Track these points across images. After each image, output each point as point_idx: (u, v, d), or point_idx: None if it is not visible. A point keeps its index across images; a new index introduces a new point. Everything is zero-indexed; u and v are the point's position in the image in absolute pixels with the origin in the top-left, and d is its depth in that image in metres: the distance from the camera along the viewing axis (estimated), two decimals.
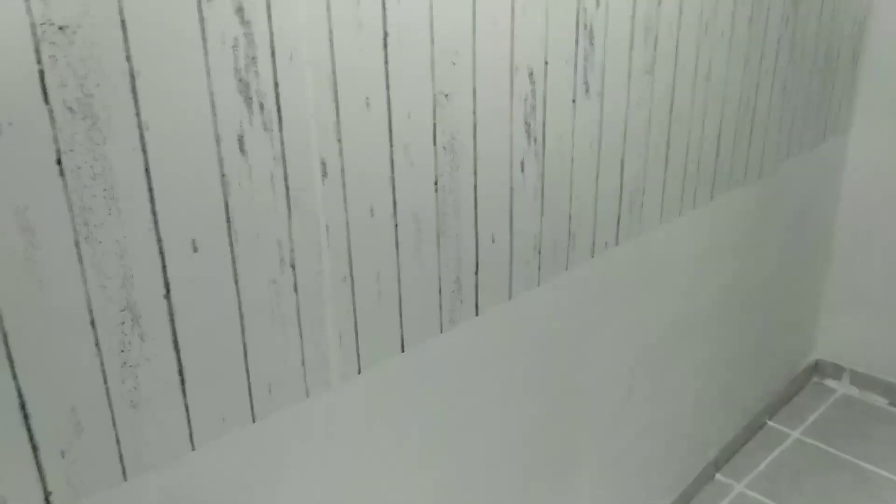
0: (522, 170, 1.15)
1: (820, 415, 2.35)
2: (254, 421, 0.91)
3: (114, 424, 0.78)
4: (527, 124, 1.13)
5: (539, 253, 1.24)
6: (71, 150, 0.68)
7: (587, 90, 1.22)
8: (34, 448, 0.73)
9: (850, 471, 2.09)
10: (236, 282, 0.84)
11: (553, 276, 1.29)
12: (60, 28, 0.65)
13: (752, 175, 1.79)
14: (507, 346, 1.25)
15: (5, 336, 0.68)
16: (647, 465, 1.78)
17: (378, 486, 1.11)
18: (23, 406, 0.71)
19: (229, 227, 0.82)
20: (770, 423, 2.31)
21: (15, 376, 0.70)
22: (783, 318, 2.25)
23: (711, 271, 1.78)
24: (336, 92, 0.88)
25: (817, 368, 2.54)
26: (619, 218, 1.40)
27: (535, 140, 1.16)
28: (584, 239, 1.33)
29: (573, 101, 1.20)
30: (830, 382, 2.51)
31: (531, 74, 1.11)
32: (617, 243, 1.42)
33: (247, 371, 0.88)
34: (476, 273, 1.14)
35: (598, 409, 1.54)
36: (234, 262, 0.83)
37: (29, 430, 0.72)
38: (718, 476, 2.09)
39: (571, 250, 1.31)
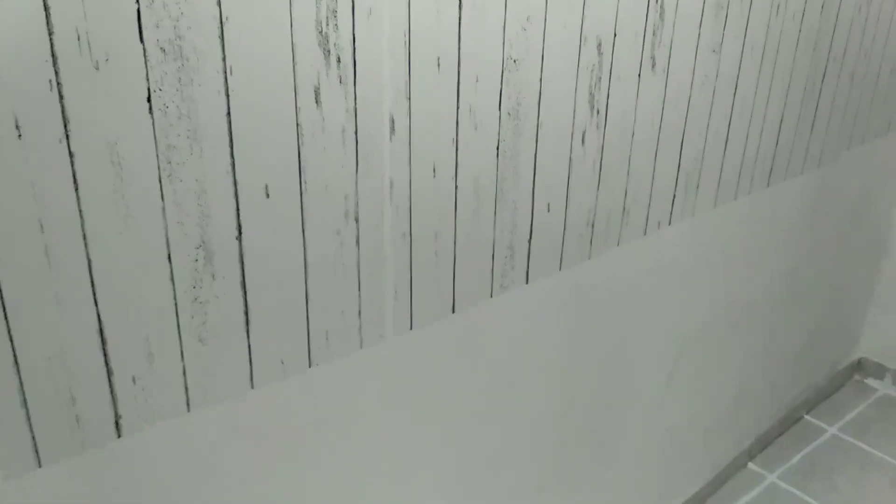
0: (583, 141, 1.16)
1: (859, 413, 2.32)
2: (310, 366, 0.94)
3: (182, 356, 0.82)
4: (591, 95, 1.14)
5: (592, 227, 1.25)
6: (160, 89, 0.71)
7: (653, 65, 1.21)
8: (109, 372, 0.77)
9: (885, 470, 2.06)
10: (303, 230, 0.87)
11: (604, 250, 1.30)
12: None
13: (811, 163, 1.76)
14: (555, 317, 1.27)
15: (90, 263, 0.72)
16: (685, 447, 1.79)
17: (424, 441, 1.14)
18: (101, 331, 0.75)
19: (300, 177, 0.85)
20: (807, 417, 2.29)
21: (96, 302, 0.73)
22: (831, 312, 2.22)
23: (765, 259, 1.76)
24: (409, 50, 0.89)
25: (860, 366, 2.51)
26: (673, 197, 1.39)
27: (598, 112, 1.16)
28: (638, 216, 1.33)
29: (638, 75, 1.20)
30: (872, 382, 2.47)
31: (599, 45, 1.11)
32: (670, 223, 1.41)
33: (307, 317, 0.91)
34: (529, 241, 1.15)
35: (642, 388, 1.55)
36: (302, 210, 0.86)
37: (105, 354, 0.76)
38: (751, 465, 2.08)
39: (624, 226, 1.32)
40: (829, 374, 2.38)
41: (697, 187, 1.44)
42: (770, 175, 1.63)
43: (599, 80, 1.14)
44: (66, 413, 0.75)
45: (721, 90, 1.38)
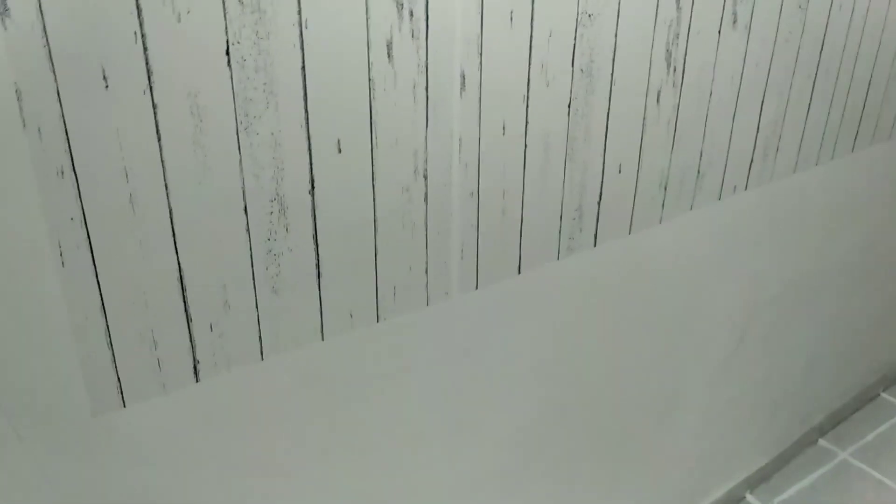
0: (658, 100, 1.12)
1: None
2: (378, 321, 0.96)
3: (256, 306, 0.84)
4: (668, 53, 1.10)
5: (665, 189, 1.22)
6: (238, 42, 0.72)
7: (734, 21, 1.16)
8: (188, 319, 0.80)
9: None
10: (373, 185, 0.88)
11: (676, 214, 1.26)
12: None
13: None
14: (623, 281, 1.25)
15: (171, 212, 0.74)
16: (751, 419, 1.75)
17: (483, 399, 1.15)
18: (181, 278, 0.78)
19: (371, 132, 0.85)
20: (883, 395, 2.21)
21: (176, 250, 0.76)
22: None
23: (843, 229, 1.69)
24: (482, 4, 0.88)
25: None
26: (751, 161, 1.34)
27: (675, 70, 1.12)
28: (713, 180, 1.29)
29: (718, 31, 1.15)
30: None
31: (678, 0, 1.07)
32: (746, 188, 1.37)
33: (376, 272, 0.93)
34: (599, 203, 1.13)
35: (706, 357, 1.52)
36: (372, 165, 0.87)
37: (185, 301, 0.79)
38: (822, 442, 2.02)
39: (698, 190, 1.28)
40: None
41: (777, 151, 1.38)
42: (856, 140, 1.56)
43: (677, 37, 1.10)
44: (148, 356, 0.79)
45: (806, 48, 1.31)
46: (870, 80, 1.50)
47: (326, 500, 1.02)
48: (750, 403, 1.73)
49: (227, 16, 0.71)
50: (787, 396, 1.84)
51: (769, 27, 1.22)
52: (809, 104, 1.39)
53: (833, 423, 2.06)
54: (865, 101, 1.52)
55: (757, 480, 1.86)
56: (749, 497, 1.84)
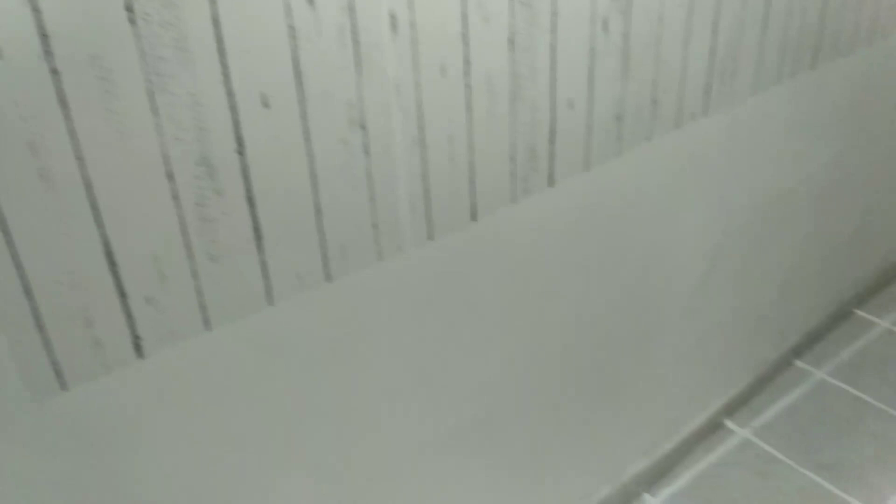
0: (605, 28, 1.08)
1: None
2: (329, 280, 0.93)
3: (195, 275, 0.81)
4: None
5: (620, 121, 1.18)
6: None
7: None
8: (122, 294, 0.77)
9: None
10: (307, 140, 0.84)
11: (634, 146, 1.23)
12: None
13: (862, 42, 1.63)
14: (584, 219, 1.23)
15: (89, 183, 0.70)
16: (727, 345, 1.76)
17: (449, 354, 1.13)
18: (109, 253, 0.74)
19: (299, 83, 0.81)
20: (858, 312, 2.22)
21: (100, 223, 0.72)
22: (882, 203, 2.11)
23: (810, 148, 1.66)
24: None
25: None
26: (709, 86, 1.31)
27: None
28: (670, 108, 1.26)
29: None
30: None
31: None
32: (706, 114, 1.33)
33: (320, 231, 0.89)
34: (551, 141, 1.10)
35: (679, 287, 1.51)
36: (304, 119, 0.83)
37: (116, 276, 0.76)
38: (798, 363, 2.04)
39: (655, 120, 1.25)
40: (881, 267, 2.29)
41: (735, 73, 1.35)
42: (816, 55, 1.52)
43: None
44: (84, 336, 0.76)
45: None
46: None
47: (289, 471, 1.01)
48: (725, 329, 1.73)
49: None
50: (761, 320, 1.85)
51: None
52: (766, 20, 1.35)
53: (809, 343, 2.08)
54: (824, 12, 1.48)
55: (736, 405, 1.88)
56: (728, 422, 1.86)
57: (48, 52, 0.65)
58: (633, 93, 1.18)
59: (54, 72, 0.65)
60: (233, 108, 0.77)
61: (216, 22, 0.73)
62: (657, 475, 1.72)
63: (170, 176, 0.75)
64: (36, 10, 0.63)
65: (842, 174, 1.84)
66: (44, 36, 0.64)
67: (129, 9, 0.67)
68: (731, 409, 1.87)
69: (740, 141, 1.45)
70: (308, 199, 0.87)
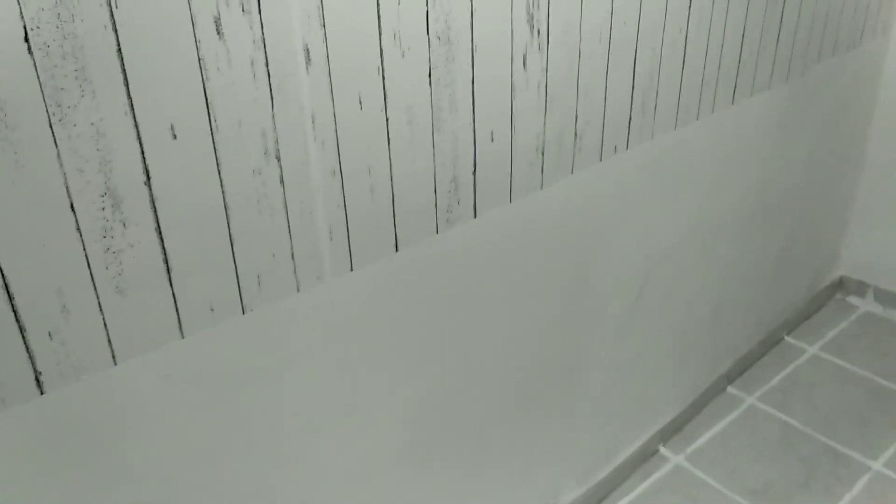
0: (525, 64, 1.11)
1: (840, 331, 2.32)
2: (244, 312, 0.92)
3: (101, 309, 0.79)
4: (529, 15, 1.08)
5: (542, 154, 1.21)
6: (38, 27, 0.67)
7: None
8: (21, 329, 0.74)
9: (866, 386, 2.07)
10: (219, 170, 0.83)
11: (558, 179, 1.26)
12: None
13: (778, 78, 1.71)
14: (509, 250, 1.24)
15: None
16: (656, 373, 1.79)
17: (371, 385, 1.12)
18: (6, 286, 0.72)
19: (209, 114, 0.80)
20: (788, 338, 2.29)
21: None
22: (809, 230, 2.20)
23: (732, 178, 1.72)
24: None
25: (841, 285, 2.49)
26: (630, 119, 1.35)
27: (539, 32, 1.10)
28: (592, 140, 1.29)
29: None
30: (854, 300, 2.46)
31: None
32: (627, 147, 1.37)
33: (234, 261, 0.89)
34: (474, 173, 1.12)
35: (606, 315, 1.53)
36: (215, 150, 0.82)
37: (14, 310, 0.73)
38: (730, 389, 2.09)
39: (578, 152, 1.28)
40: (810, 293, 2.37)
41: (655, 107, 1.39)
42: (734, 92, 1.58)
43: None
44: None
45: (674, 2, 1.32)
46: (742, 32, 1.52)
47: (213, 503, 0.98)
48: (656, 356, 1.76)
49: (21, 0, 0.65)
50: (694, 346, 1.89)
51: None
52: (684, 58, 1.40)
53: (740, 369, 2.13)
54: (741, 52, 1.54)
55: (670, 432, 1.91)
56: (662, 449, 1.88)
57: None
58: (555, 126, 1.20)
59: None
60: (139, 139, 0.76)
61: (120, 52, 0.72)
62: (592, 503, 1.73)
63: (71, 207, 0.74)
64: None
65: (766, 203, 1.91)
66: None
67: (26, 39, 0.66)
68: (666, 436, 1.90)
69: (663, 172, 1.49)
70: (220, 230, 0.86)
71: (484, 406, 1.35)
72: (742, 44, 1.54)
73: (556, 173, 1.25)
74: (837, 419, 1.96)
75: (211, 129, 0.81)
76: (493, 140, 1.12)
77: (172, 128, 0.78)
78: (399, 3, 0.92)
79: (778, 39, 1.64)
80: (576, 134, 1.25)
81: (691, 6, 1.36)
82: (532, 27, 1.09)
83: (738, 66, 1.56)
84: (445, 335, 1.20)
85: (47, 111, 0.70)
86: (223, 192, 0.85)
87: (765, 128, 1.75)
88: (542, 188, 1.24)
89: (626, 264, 1.52)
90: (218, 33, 0.78)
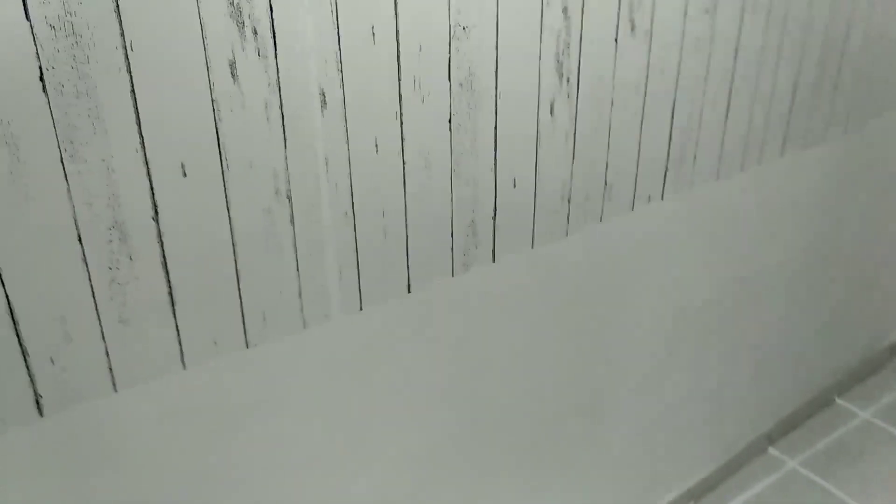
0: (552, 112, 1.09)
1: (895, 398, 2.18)
2: (247, 347, 0.93)
3: (103, 337, 0.81)
4: (559, 63, 1.07)
5: (568, 202, 1.19)
6: (52, 68, 0.69)
7: (632, 28, 1.13)
8: (24, 353, 0.77)
9: None
10: (228, 208, 0.85)
11: (584, 227, 1.23)
12: None
13: (835, 131, 1.63)
14: (528, 297, 1.22)
15: None
16: (689, 430, 1.72)
17: (377, 426, 1.11)
18: (11, 312, 0.75)
19: (220, 154, 0.82)
20: (839, 400, 2.17)
21: (2, 283, 0.73)
22: (865, 289, 2.08)
23: (781, 232, 1.65)
24: (337, 20, 0.85)
25: None
26: (665, 170, 1.31)
27: (568, 80, 1.09)
28: (624, 190, 1.26)
29: (615, 39, 1.12)
30: None
31: (565, 10, 1.04)
32: (663, 197, 1.33)
33: (240, 297, 0.90)
34: (494, 217, 1.10)
35: (632, 368, 1.48)
36: (225, 188, 0.84)
37: (18, 335, 0.76)
38: (772, 450, 1.99)
39: (608, 201, 1.25)
40: (865, 355, 2.24)
41: (695, 159, 1.35)
42: (784, 143, 1.52)
43: (568, 47, 1.07)
44: None
45: (718, 53, 1.28)
46: (795, 84, 1.46)
47: None
48: (688, 413, 1.69)
49: (37, 40, 0.68)
50: (733, 403, 1.81)
51: (673, 33, 1.19)
52: (728, 109, 1.36)
53: (784, 430, 2.02)
54: (793, 103, 1.49)
55: (701, 490, 1.82)
56: None
57: None
58: (583, 175, 1.18)
59: None
60: (149, 176, 0.78)
61: (133, 93, 0.74)
62: None
63: (79, 239, 0.76)
64: None
65: (818, 260, 1.82)
66: None
67: (41, 79, 0.69)
68: (697, 495, 1.82)
69: (700, 225, 1.45)
70: (228, 266, 0.87)
71: (494, 457, 1.32)
72: (794, 93, 1.48)
73: (583, 221, 1.22)
74: (884, 492, 1.84)
75: (222, 168, 0.83)
76: (515, 186, 1.10)
77: (183, 166, 0.80)
78: (420, 51, 0.93)
79: (836, 89, 1.57)
80: (606, 182, 1.22)
81: (738, 54, 1.32)
82: (561, 75, 1.08)
83: (790, 116, 1.50)
84: (456, 381, 1.18)
85: (59, 147, 0.72)
86: (231, 229, 0.86)
87: (818, 182, 1.68)
88: (567, 235, 1.21)
89: (656, 316, 1.47)
90: (232, 76, 0.80)
